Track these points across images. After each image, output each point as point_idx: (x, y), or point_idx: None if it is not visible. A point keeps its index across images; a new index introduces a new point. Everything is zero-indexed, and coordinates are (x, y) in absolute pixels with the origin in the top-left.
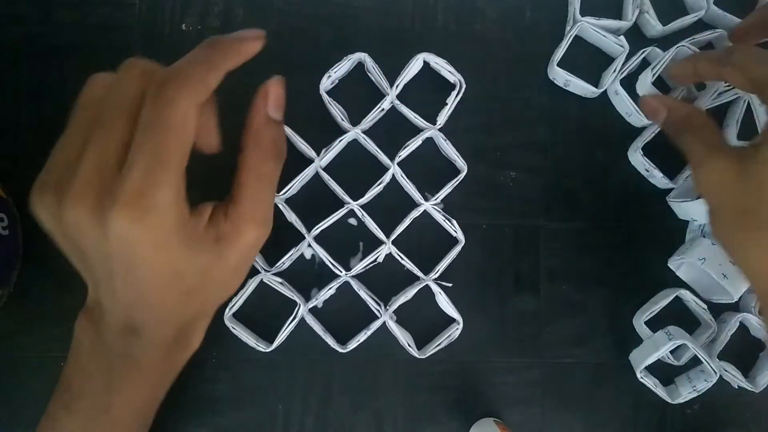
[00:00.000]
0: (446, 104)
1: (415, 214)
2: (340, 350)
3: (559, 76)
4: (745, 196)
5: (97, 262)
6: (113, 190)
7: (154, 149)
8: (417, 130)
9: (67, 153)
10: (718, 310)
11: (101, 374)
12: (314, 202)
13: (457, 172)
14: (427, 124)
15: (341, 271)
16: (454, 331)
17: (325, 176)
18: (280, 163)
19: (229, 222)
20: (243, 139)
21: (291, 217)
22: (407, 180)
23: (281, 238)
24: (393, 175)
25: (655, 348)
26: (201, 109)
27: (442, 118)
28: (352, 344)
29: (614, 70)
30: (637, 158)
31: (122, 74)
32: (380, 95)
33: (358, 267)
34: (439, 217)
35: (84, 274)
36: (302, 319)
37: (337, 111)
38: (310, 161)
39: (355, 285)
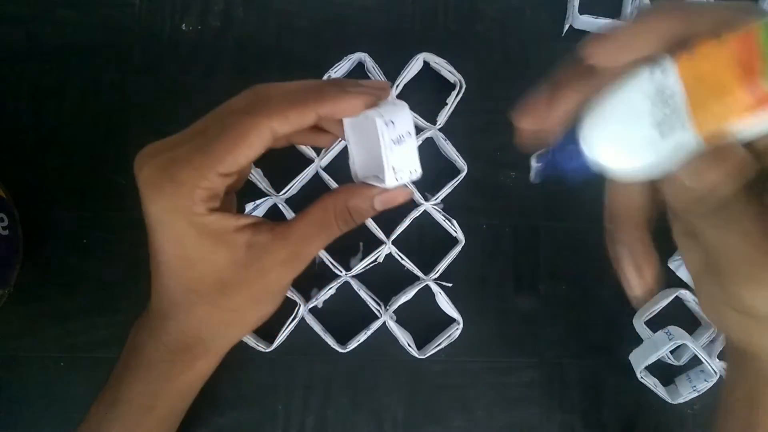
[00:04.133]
0: (446, 104)
1: (415, 214)
2: (340, 350)
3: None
4: None
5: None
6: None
7: (209, 143)
8: (417, 130)
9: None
10: None
11: (149, 376)
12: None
13: (457, 172)
14: (427, 124)
15: (341, 271)
16: (454, 331)
17: (325, 176)
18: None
19: (270, 235)
20: (337, 195)
21: (291, 216)
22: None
23: None
24: None
25: (655, 348)
26: (275, 136)
27: (442, 118)
28: (352, 344)
29: None
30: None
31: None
32: None
33: (358, 267)
34: (439, 217)
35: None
36: (302, 319)
37: None
38: (310, 161)
39: (355, 285)
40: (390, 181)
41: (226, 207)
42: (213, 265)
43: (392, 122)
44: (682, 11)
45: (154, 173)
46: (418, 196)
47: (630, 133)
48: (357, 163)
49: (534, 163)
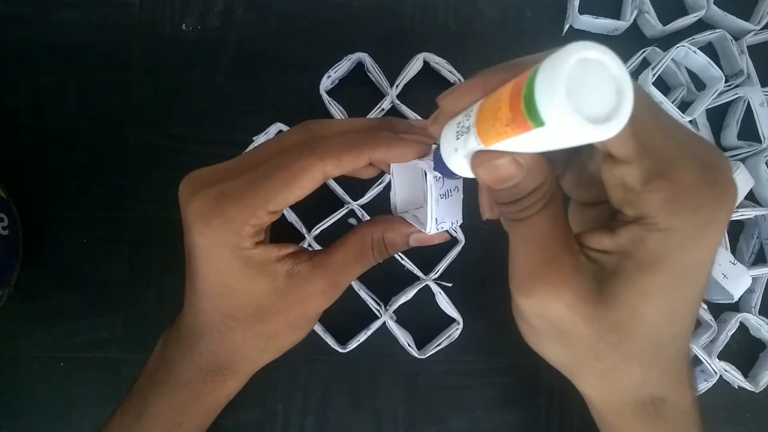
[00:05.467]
0: None
1: None
2: (340, 350)
3: None
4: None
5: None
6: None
7: (260, 181)
8: None
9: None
10: (718, 310)
11: (178, 393)
12: (314, 202)
13: None
14: None
15: None
16: (454, 331)
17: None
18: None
19: (310, 264)
20: (376, 226)
21: (291, 217)
22: None
23: (281, 239)
24: None
25: None
26: (326, 178)
27: None
28: (352, 344)
29: None
30: None
31: (293, 129)
32: (380, 95)
33: None
34: None
35: None
36: None
37: (337, 111)
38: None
39: (355, 285)
40: (431, 230)
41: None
42: (253, 293)
43: (442, 177)
44: (508, 68)
45: (204, 206)
46: None
47: (449, 142)
48: (398, 196)
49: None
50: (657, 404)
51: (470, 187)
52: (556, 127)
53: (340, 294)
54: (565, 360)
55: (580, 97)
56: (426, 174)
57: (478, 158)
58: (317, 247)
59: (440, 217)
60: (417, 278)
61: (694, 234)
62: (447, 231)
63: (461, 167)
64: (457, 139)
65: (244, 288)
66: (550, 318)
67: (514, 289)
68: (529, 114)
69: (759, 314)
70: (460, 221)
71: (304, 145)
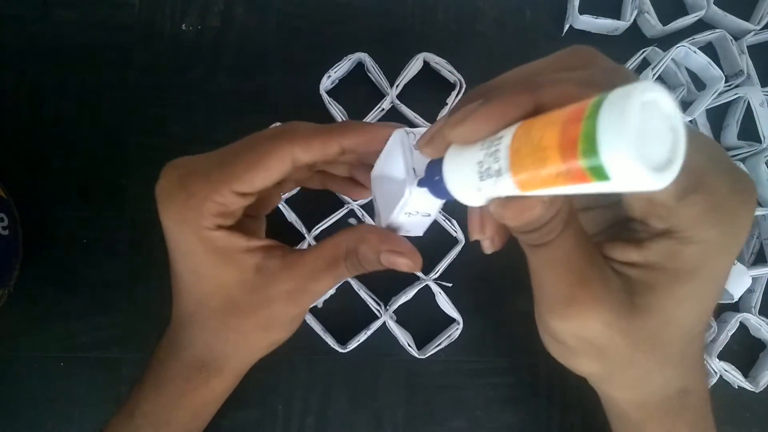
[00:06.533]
0: (446, 104)
1: None
2: (340, 350)
3: None
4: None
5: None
6: None
7: (229, 160)
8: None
9: None
10: (718, 310)
11: (165, 391)
12: (314, 202)
13: None
14: (428, 124)
15: None
16: (454, 331)
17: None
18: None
19: (280, 262)
20: (352, 235)
21: (291, 217)
22: None
23: (281, 239)
24: None
25: None
26: (297, 163)
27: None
28: (352, 344)
29: None
30: None
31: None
32: (380, 95)
33: None
34: (439, 217)
35: None
36: (303, 319)
37: (337, 111)
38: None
39: (355, 285)
40: (411, 185)
41: (251, 230)
42: (221, 282)
43: (413, 145)
44: (520, 88)
45: (170, 183)
46: None
47: (466, 179)
48: (381, 215)
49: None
50: (682, 396)
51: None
52: (622, 181)
53: (311, 303)
54: (598, 371)
55: (644, 146)
56: (396, 133)
57: (506, 204)
58: None
59: (419, 168)
60: (417, 278)
61: (729, 242)
62: (417, 258)
63: (472, 200)
64: (482, 180)
65: (212, 275)
66: (587, 336)
67: (546, 313)
68: (590, 168)
69: (759, 314)
70: (438, 208)
71: (278, 133)
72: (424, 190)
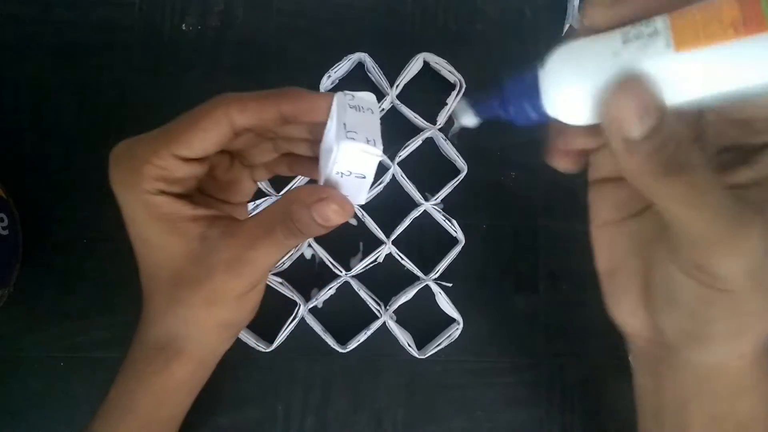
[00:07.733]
0: (446, 104)
1: (415, 214)
2: (340, 350)
3: None
4: None
5: None
6: None
7: (171, 126)
8: (417, 130)
9: None
10: None
11: (127, 374)
12: None
13: (457, 172)
14: (427, 124)
15: (341, 271)
16: (454, 331)
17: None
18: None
19: (221, 230)
20: (285, 197)
21: None
22: (407, 180)
23: None
24: (393, 175)
25: None
26: (234, 125)
27: (442, 118)
28: (352, 344)
29: None
30: None
31: None
32: (380, 95)
33: (358, 267)
34: (439, 217)
35: None
36: (302, 319)
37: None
38: None
39: (355, 285)
40: (341, 138)
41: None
42: (168, 251)
43: (351, 104)
44: None
45: (119, 149)
46: (418, 197)
47: (593, 60)
48: (320, 180)
49: (464, 115)
50: None
51: (473, 180)
52: None
53: (253, 277)
54: (761, 309)
55: None
56: (336, 95)
57: (630, 85)
58: (316, 246)
59: (350, 124)
60: (417, 278)
61: None
62: (347, 206)
63: (575, 109)
64: (624, 43)
65: (159, 244)
66: (755, 270)
67: (706, 256)
68: None
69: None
70: (380, 147)
71: (218, 97)
72: (356, 146)
